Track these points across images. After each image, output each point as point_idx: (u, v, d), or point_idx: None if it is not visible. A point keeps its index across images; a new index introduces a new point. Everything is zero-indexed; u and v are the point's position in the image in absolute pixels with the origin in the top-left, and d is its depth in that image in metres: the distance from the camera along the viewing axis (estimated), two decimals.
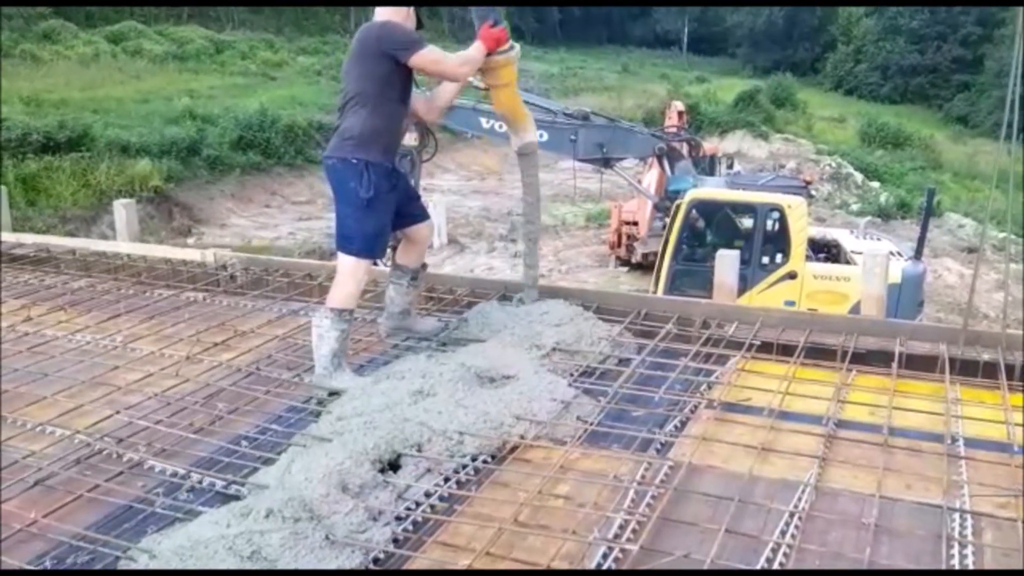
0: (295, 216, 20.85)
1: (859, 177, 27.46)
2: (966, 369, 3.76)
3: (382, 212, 3.73)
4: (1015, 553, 2.37)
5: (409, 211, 4.01)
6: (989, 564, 2.36)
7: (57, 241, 6.44)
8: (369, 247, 3.75)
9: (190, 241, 17.63)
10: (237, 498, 2.72)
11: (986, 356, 3.78)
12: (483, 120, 10.94)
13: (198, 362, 3.99)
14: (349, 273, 3.72)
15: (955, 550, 2.41)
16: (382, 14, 3.77)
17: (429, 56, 3.67)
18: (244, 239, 17.97)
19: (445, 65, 3.78)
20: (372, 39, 3.70)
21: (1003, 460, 2.94)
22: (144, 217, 17.36)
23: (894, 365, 3.71)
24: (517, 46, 4.08)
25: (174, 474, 2.93)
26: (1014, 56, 3.54)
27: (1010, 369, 3.68)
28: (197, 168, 20.67)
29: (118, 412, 3.39)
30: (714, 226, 10.75)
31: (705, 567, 2.28)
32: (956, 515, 2.59)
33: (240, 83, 30.61)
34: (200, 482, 2.87)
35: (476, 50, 3.85)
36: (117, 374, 3.85)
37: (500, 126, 9.87)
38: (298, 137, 23.51)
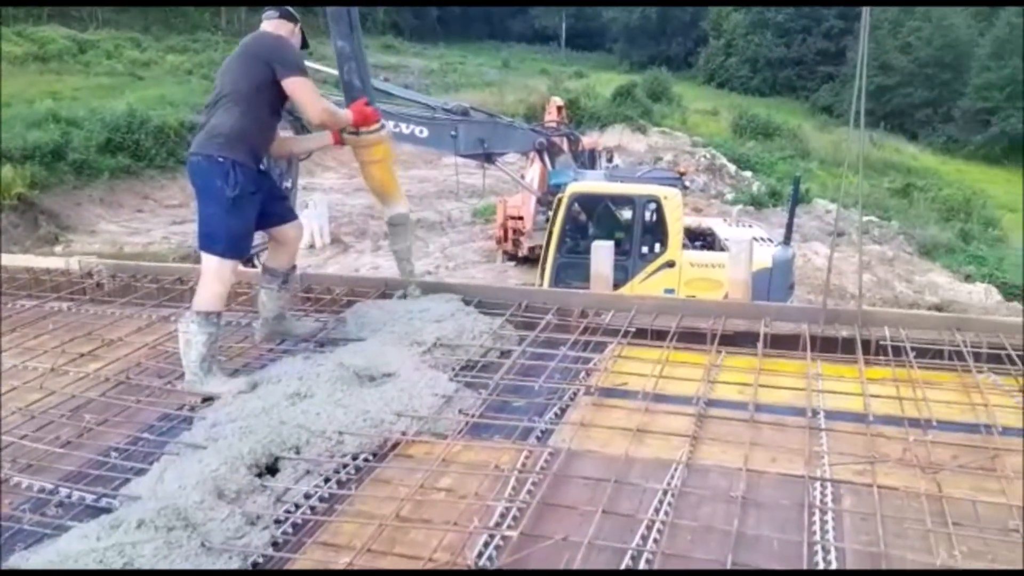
0: (169, 220, 20.13)
1: (732, 168, 28.46)
2: (827, 346, 3.97)
3: (248, 211, 3.68)
4: (871, 517, 2.52)
5: (275, 211, 3.94)
6: (848, 528, 2.50)
7: None
8: (235, 247, 3.68)
9: (57, 249, 16.79)
10: (109, 511, 2.64)
11: (844, 333, 4.00)
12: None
13: (64, 374, 3.83)
14: (214, 274, 3.63)
15: (816, 517, 2.55)
16: (271, 26, 3.82)
17: (302, 85, 3.70)
18: (115, 246, 17.24)
19: (309, 99, 3.75)
20: (262, 47, 3.72)
21: (860, 430, 3.12)
22: (7, 226, 16.49)
23: (760, 345, 3.89)
24: (389, 125, 4.15)
25: (41, 490, 2.84)
26: (859, 50, 3.76)
27: (867, 344, 3.90)
28: (63, 173, 19.72)
29: None
30: (595, 218, 10.95)
31: (583, 549, 2.34)
32: (817, 484, 2.73)
33: (106, 83, 29.27)
34: (69, 496, 2.79)
35: (344, 115, 3.97)
36: None
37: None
38: (169, 138, 22.67)
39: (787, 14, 53.53)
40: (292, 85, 3.65)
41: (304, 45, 3.95)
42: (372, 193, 4.43)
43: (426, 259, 17.05)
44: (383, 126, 4.16)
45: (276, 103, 3.78)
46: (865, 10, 3.90)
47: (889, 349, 3.84)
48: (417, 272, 4.59)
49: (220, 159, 3.56)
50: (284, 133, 4.25)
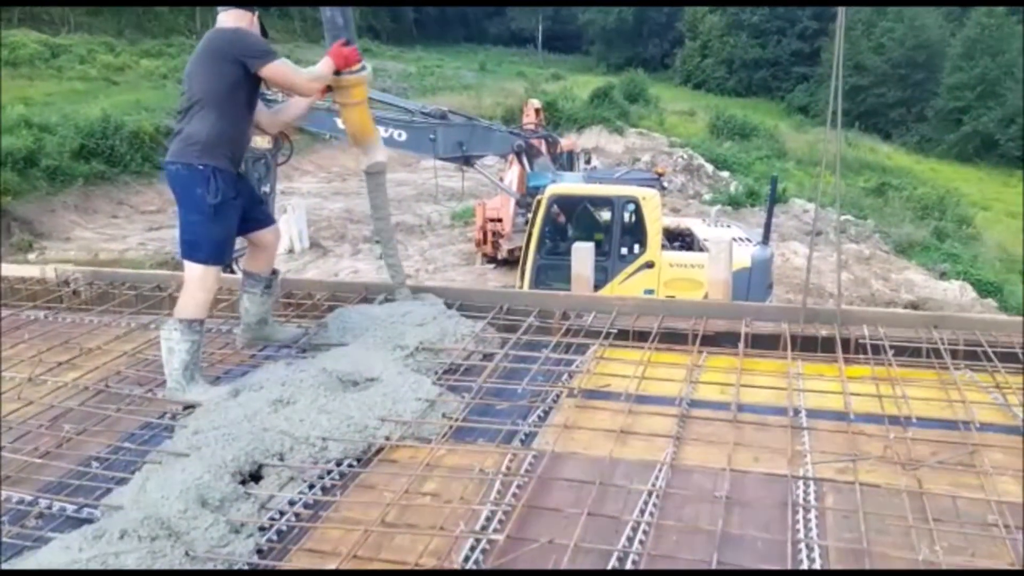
0: (145, 226, 20.00)
1: (710, 168, 28.66)
2: (807, 345, 3.99)
3: (230, 218, 3.65)
4: (853, 514, 2.54)
5: (253, 216, 3.92)
6: (831, 526, 2.52)
7: None
8: (218, 254, 3.65)
9: (31, 257, 16.63)
10: (90, 521, 2.61)
11: (824, 332, 4.03)
12: (339, 121, 10.80)
13: (41, 383, 3.78)
14: (198, 282, 3.61)
15: (800, 515, 2.56)
16: (227, 19, 3.71)
17: (280, 68, 3.63)
18: (91, 252, 17.09)
19: (295, 79, 3.73)
20: (224, 44, 3.63)
21: (841, 428, 3.14)
22: None
23: (741, 345, 3.91)
24: (369, 66, 4.10)
25: (20, 501, 2.79)
26: (835, 51, 3.79)
27: (846, 343, 3.93)
28: (36, 180, 19.56)
29: None
30: (574, 220, 10.98)
31: (569, 551, 2.34)
32: (800, 483, 2.74)
33: (79, 88, 29.09)
34: (49, 508, 2.75)
35: (325, 66, 3.88)
36: None
37: None
38: (145, 144, 22.54)
39: (762, 15, 53.96)
40: (270, 72, 3.60)
41: (264, 34, 3.84)
42: (350, 138, 4.37)
43: (406, 263, 16.99)
44: (364, 67, 4.06)
45: (252, 97, 3.74)
46: (841, 10, 3.94)
47: (868, 347, 3.87)
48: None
49: (200, 167, 3.53)
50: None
